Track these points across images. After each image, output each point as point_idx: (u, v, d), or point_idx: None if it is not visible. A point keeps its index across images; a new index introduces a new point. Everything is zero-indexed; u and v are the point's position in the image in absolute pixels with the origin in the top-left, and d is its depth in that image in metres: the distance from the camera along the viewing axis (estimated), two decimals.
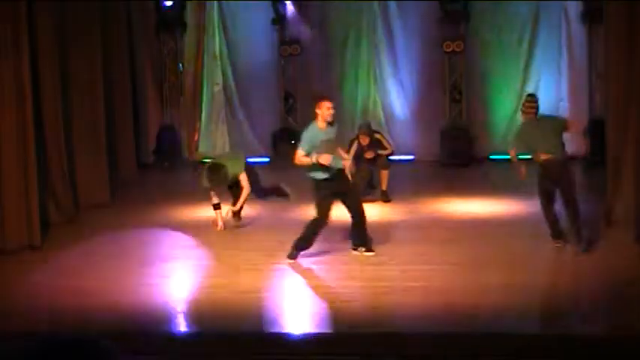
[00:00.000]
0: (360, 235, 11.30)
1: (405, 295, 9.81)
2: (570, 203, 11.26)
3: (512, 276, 10.36)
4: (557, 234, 11.41)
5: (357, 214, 11.21)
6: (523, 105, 12.00)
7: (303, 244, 11.05)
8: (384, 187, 14.36)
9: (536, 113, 11.72)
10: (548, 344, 8.56)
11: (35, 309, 9.79)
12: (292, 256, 11.04)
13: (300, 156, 10.90)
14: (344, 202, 11.16)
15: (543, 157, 11.34)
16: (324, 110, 10.99)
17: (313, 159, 10.79)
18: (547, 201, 11.40)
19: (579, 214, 11.24)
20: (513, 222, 12.93)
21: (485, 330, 9.00)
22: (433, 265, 10.82)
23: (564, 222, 11.29)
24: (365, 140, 14.32)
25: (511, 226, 12.68)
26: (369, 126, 14.91)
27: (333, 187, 10.96)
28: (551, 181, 11.32)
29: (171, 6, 18.08)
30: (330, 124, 11.04)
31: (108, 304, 9.75)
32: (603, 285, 10.03)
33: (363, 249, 11.31)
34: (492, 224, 12.84)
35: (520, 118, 12.23)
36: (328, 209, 11.00)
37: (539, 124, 11.65)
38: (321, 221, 11.01)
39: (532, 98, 12.05)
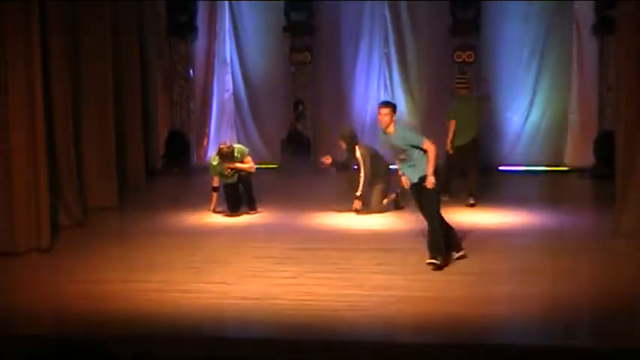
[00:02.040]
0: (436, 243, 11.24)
1: (412, 305, 9.79)
2: (474, 173, 14.67)
3: (520, 287, 10.35)
4: (446, 189, 13.93)
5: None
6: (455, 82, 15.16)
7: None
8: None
9: (467, 89, 15.00)
10: (555, 357, 8.54)
11: (43, 312, 9.81)
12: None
13: None
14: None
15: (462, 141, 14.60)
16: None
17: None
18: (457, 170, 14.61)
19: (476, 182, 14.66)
20: (522, 233, 12.91)
21: (491, 341, 8.98)
22: (442, 275, 10.80)
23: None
24: (341, 145, 14.33)
25: (520, 237, 12.65)
26: (348, 134, 14.45)
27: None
28: (464, 158, 14.63)
29: (181, 11, 18.10)
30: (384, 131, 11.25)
31: (114, 308, 9.77)
32: (610, 297, 10.00)
33: (457, 254, 11.40)
34: (501, 235, 12.82)
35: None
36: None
37: (469, 104, 14.80)
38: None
39: (461, 75, 15.04)
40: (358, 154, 14.14)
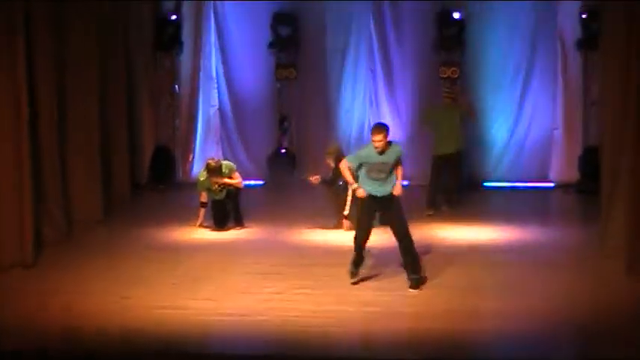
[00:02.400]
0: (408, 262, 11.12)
1: (398, 321, 9.80)
2: (454, 184, 15.34)
3: (506, 303, 10.36)
4: (431, 203, 15.05)
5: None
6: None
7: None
8: None
9: (452, 100, 15.48)
10: None
11: (27, 328, 9.76)
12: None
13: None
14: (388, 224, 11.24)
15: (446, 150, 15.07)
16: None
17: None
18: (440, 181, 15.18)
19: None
20: (507, 248, 12.93)
21: (477, 356, 8.99)
22: (428, 291, 10.81)
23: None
24: (329, 162, 14.23)
25: (505, 253, 12.67)
26: (335, 150, 14.37)
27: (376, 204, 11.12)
28: (447, 169, 15.18)
29: (169, 22, 18.11)
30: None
31: (99, 323, 9.74)
32: (595, 314, 10.02)
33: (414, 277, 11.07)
34: (487, 250, 12.84)
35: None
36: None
37: (452, 113, 15.29)
38: (357, 233, 11.19)
39: (450, 86, 15.74)
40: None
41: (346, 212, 13.83)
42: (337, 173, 14.16)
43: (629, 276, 11.16)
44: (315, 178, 14.36)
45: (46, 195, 13.24)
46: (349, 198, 13.81)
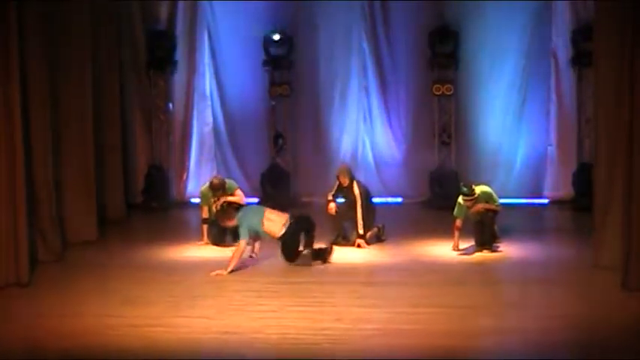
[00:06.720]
0: None
1: (393, 338, 9.76)
2: None
3: (502, 321, 10.34)
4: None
5: None
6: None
7: None
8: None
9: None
10: None
11: (19, 348, 9.73)
12: None
13: None
14: None
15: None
16: None
17: None
18: None
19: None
20: (503, 266, 12.92)
21: None
22: (423, 309, 10.78)
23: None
24: (343, 182, 14.21)
25: (501, 270, 12.67)
26: (348, 170, 14.53)
27: None
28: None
29: (160, 44, 18.12)
30: None
31: (92, 343, 9.69)
32: (593, 331, 10.00)
33: None
34: (482, 268, 12.82)
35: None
36: None
37: None
38: None
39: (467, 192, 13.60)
40: (356, 190, 14.07)
41: (361, 232, 13.92)
42: (347, 192, 14.11)
43: (625, 291, 11.16)
44: (330, 209, 14.24)
45: (40, 215, 13.21)
46: (359, 219, 13.83)
